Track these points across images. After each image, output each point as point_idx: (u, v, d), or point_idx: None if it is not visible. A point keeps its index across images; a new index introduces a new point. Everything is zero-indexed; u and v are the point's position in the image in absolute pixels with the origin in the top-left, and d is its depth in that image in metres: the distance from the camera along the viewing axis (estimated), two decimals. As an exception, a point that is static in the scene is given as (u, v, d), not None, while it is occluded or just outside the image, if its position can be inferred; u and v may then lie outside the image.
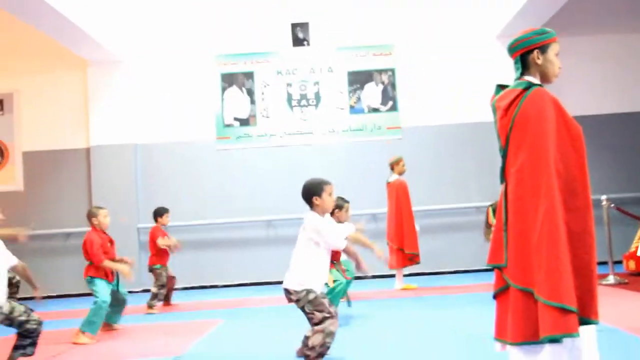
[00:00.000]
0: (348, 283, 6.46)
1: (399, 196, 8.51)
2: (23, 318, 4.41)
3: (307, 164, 10.63)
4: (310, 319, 4.00)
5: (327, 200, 4.11)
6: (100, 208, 6.42)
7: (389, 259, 8.56)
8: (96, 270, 6.10)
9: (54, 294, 10.58)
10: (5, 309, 4.30)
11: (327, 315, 3.93)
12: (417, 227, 8.58)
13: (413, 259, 8.44)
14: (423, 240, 9.06)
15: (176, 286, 9.20)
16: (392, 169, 8.68)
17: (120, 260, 6.29)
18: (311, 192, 4.11)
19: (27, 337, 4.50)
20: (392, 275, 9.24)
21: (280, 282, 4.21)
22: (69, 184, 10.79)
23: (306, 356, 3.94)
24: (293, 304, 4.11)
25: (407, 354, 4.49)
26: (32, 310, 4.49)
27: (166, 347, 5.33)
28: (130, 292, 10.13)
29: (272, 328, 6.10)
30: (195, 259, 10.58)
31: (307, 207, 4.20)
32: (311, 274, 4.01)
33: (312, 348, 3.90)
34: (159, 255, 7.94)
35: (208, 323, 6.59)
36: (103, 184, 10.60)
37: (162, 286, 7.85)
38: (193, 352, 5.10)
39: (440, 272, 10.55)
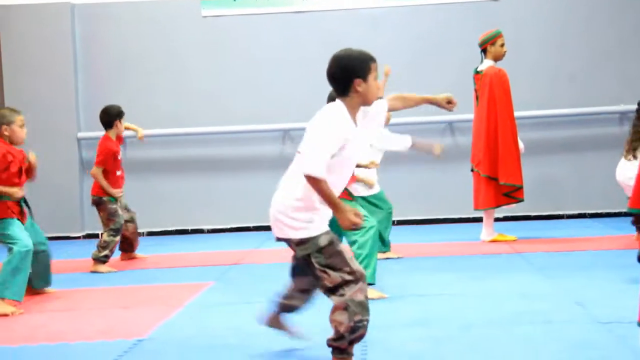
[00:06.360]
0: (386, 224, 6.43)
1: (493, 94, 8.41)
2: None
3: (347, 40, 10.39)
4: (319, 280, 3.93)
5: (373, 86, 4.03)
6: (15, 112, 6.36)
7: (475, 195, 8.55)
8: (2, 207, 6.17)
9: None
10: None
11: (349, 277, 3.85)
12: (521, 145, 8.57)
13: (512, 194, 8.42)
14: (528, 166, 8.93)
15: (142, 229, 9.29)
16: (484, 50, 8.55)
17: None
18: (353, 70, 3.98)
19: None
20: (478, 219, 9.19)
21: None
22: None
23: (334, 348, 3.90)
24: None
25: None
26: None
27: (122, 325, 5.40)
28: (65, 237, 10.36)
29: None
30: (170, 189, 10.67)
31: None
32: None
33: (340, 337, 3.84)
34: (111, 178, 7.86)
35: (188, 288, 6.69)
36: (17, 68, 10.63)
37: (116, 231, 7.78)
38: (161, 333, 5.14)
39: (553, 216, 10.52)
